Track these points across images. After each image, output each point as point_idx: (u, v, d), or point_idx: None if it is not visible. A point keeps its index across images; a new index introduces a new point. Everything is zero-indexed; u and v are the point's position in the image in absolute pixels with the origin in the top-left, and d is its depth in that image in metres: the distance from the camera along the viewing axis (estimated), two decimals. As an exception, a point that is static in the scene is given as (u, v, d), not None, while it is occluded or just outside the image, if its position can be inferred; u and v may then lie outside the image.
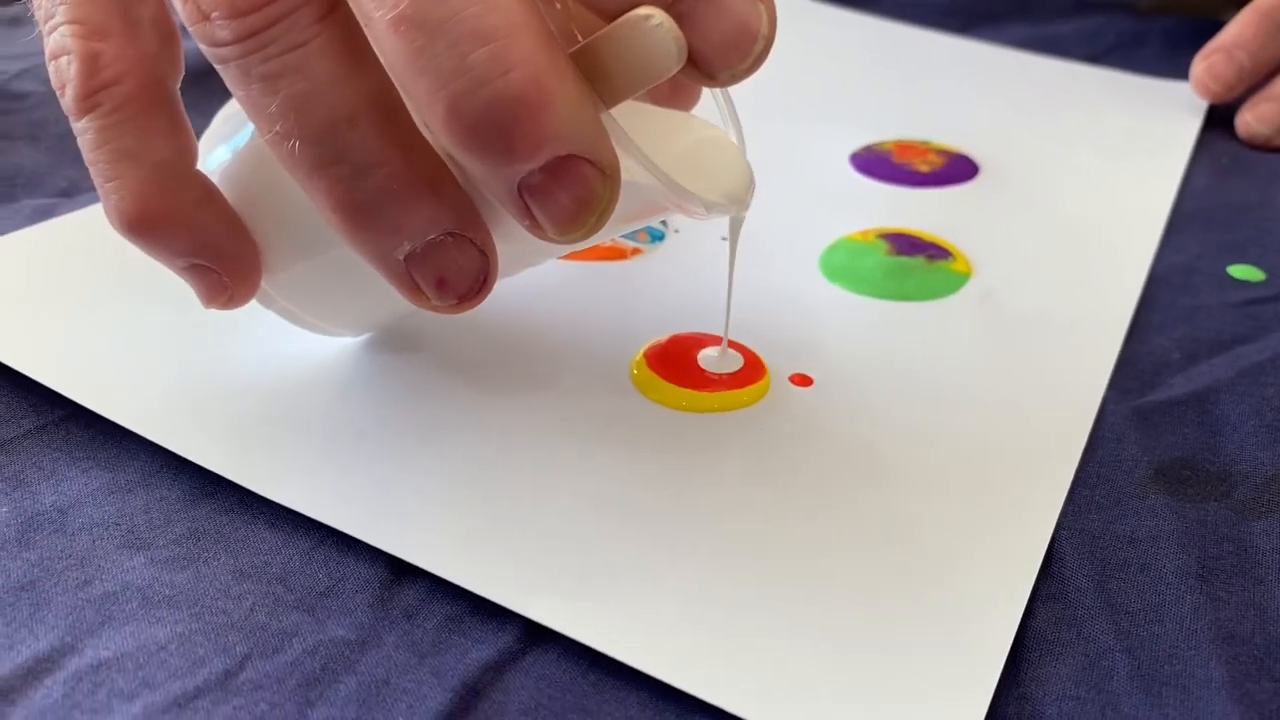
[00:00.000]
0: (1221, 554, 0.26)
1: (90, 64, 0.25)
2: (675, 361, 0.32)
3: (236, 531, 0.26)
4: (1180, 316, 0.36)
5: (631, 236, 0.39)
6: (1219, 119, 0.52)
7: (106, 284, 0.34)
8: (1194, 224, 0.42)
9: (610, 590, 0.24)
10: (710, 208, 0.26)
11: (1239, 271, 0.39)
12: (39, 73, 0.47)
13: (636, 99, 0.23)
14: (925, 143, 0.47)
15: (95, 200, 0.39)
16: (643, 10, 0.21)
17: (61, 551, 0.25)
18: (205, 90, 0.47)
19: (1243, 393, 0.32)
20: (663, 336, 0.33)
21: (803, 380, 0.32)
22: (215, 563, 0.25)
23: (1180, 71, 0.55)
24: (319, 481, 0.27)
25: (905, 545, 0.26)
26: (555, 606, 0.24)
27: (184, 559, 0.25)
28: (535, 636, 0.24)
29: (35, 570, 0.25)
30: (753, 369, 0.32)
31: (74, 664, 0.23)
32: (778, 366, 0.32)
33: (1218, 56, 0.52)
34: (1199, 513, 0.28)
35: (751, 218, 0.41)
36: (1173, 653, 0.24)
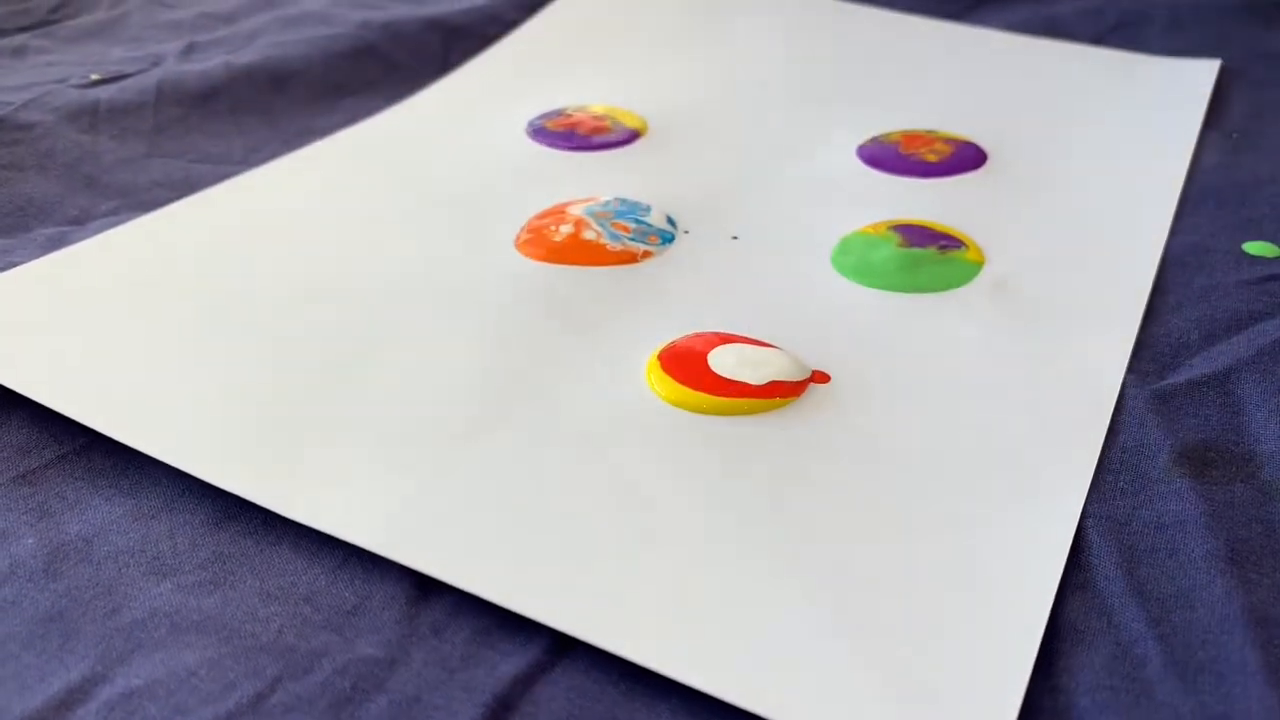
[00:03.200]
0: (1250, 535, 0.26)
1: None
2: (690, 364, 0.32)
3: (261, 553, 0.26)
4: (1196, 296, 0.36)
5: (642, 239, 0.38)
6: (1225, 94, 0.52)
7: (121, 311, 0.34)
8: (1206, 202, 0.42)
9: (636, 597, 0.24)
10: None
11: (1254, 248, 0.39)
12: (45, 101, 0.47)
13: None
14: (932, 132, 0.47)
15: (106, 226, 0.39)
16: None
17: (89, 580, 0.25)
18: (207, 112, 0.47)
19: (1264, 370, 0.32)
20: (677, 338, 0.33)
21: (821, 377, 0.32)
22: (242, 586, 0.25)
23: (1185, 48, 0.54)
24: (341, 500, 0.27)
25: (932, 540, 0.26)
26: (582, 616, 0.24)
27: (210, 583, 0.25)
28: (564, 646, 0.24)
29: (64, 601, 0.25)
30: (798, 384, 0.31)
31: (106, 693, 0.23)
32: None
33: None
34: (1225, 495, 0.28)
35: (763, 213, 0.41)
36: (1206, 638, 0.24)
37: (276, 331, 0.33)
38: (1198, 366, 0.32)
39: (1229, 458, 0.29)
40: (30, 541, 0.27)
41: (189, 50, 0.54)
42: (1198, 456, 0.29)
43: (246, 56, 0.52)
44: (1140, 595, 0.25)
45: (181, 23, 0.58)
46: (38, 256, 0.37)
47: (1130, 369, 0.32)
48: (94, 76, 0.50)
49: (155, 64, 0.52)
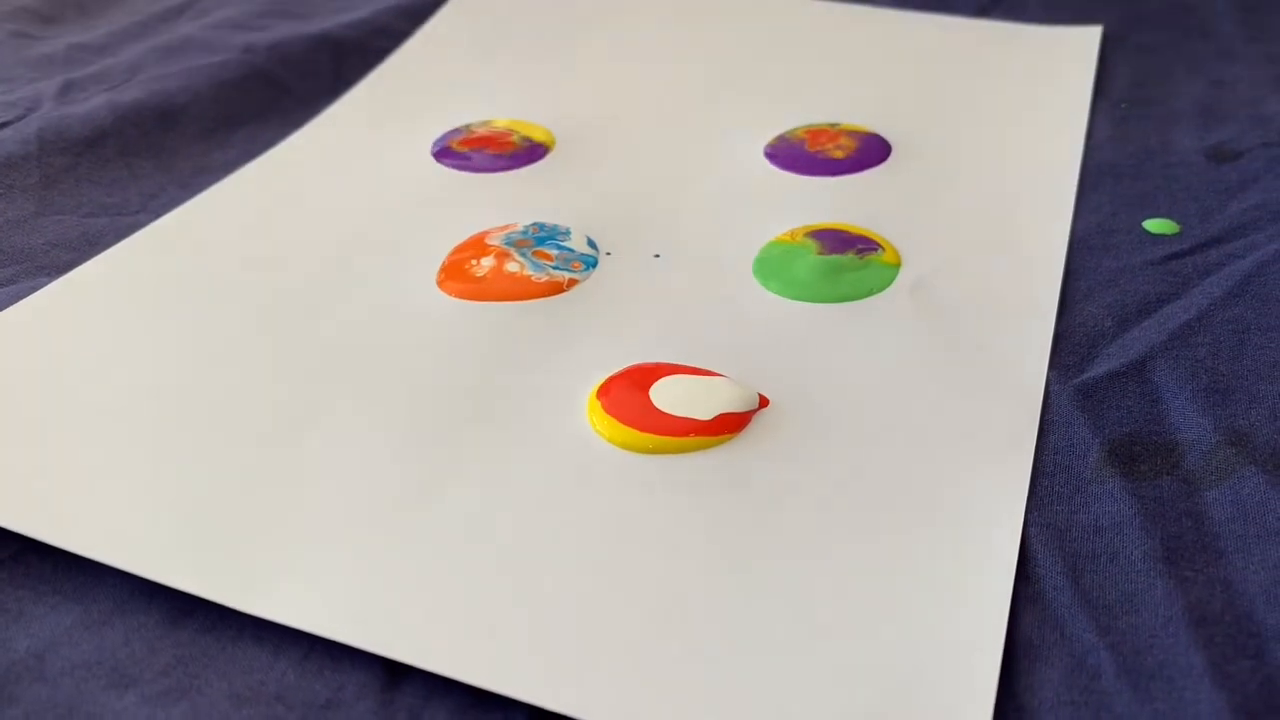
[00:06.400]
0: (1182, 531, 0.28)
1: None
2: (632, 401, 0.32)
3: (224, 651, 0.26)
4: (1106, 280, 0.37)
5: (566, 267, 0.38)
6: (1108, 61, 0.53)
7: (37, 397, 0.33)
8: (1104, 179, 0.44)
9: (608, 661, 0.25)
10: None
11: (1154, 226, 0.40)
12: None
13: None
14: (835, 126, 0.48)
15: (5, 299, 0.38)
16: None
17: (46, 702, 0.25)
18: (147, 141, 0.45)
19: (1176, 356, 0.33)
20: (613, 371, 0.33)
21: (762, 401, 0.32)
22: (209, 690, 0.25)
23: (1067, 15, 0.56)
24: (298, 587, 0.27)
25: (882, 564, 0.27)
26: (557, 688, 0.24)
27: (176, 691, 0.25)
28: (544, 719, 0.24)
29: (23, 727, 0.24)
30: (746, 415, 0.32)
31: (84, 824, 0.22)
32: (732, 392, 0.32)
33: None
34: (1154, 490, 0.29)
35: (681, 227, 0.41)
36: (1152, 642, 0.25)
37: (202, 409, 0.32)
38: (1115, 356, 0.34)
39: (1153, 450, 0.30)
40: (-22, 664, 0.26)
41: (66, 90, 0.51)
42: (1125, 452, 0.30)
43: (130, 93, 0.50)
44: (1087, 604, 0.26)
45: (53, 57, 0.56)
46: (-63, 340, 0.35)
47: (1051, 364, 0.34)
48: (-32, 129, 0.48)
49: (32, 108, 0.50)
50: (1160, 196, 0.42)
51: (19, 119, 0.49)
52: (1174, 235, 0.40)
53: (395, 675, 0.25)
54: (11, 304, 0.37)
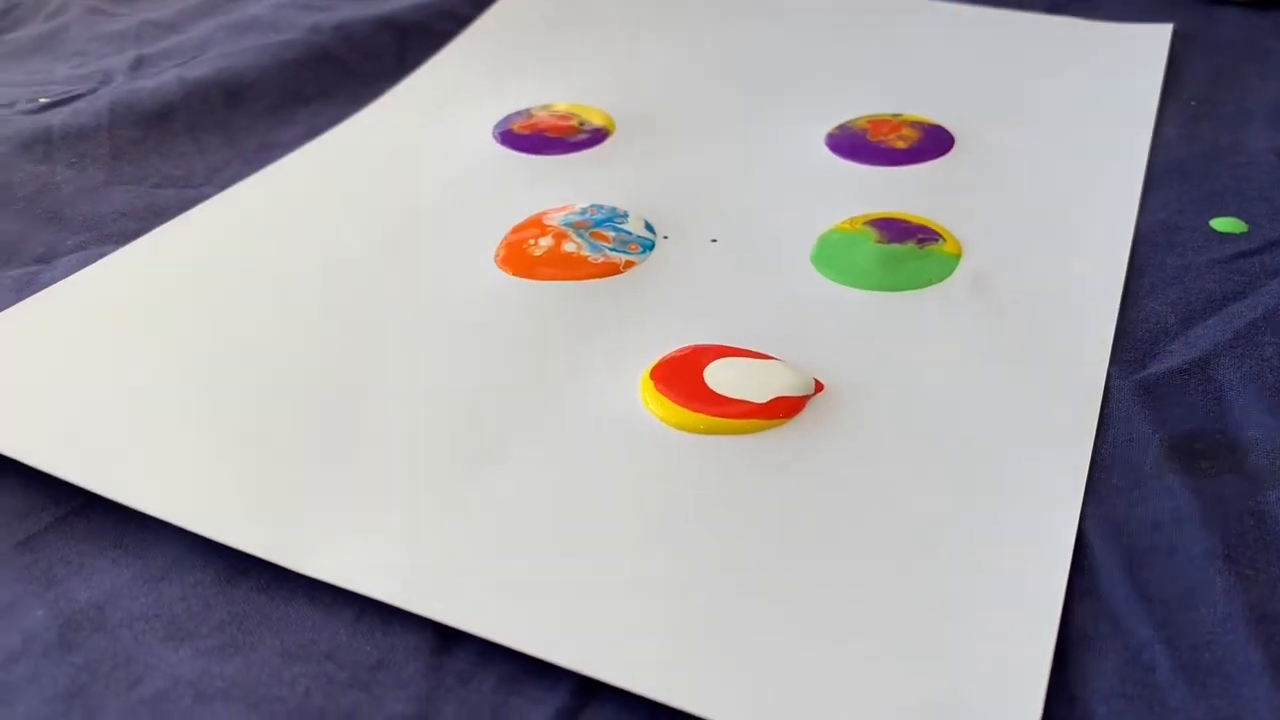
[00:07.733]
0: (1244, 529, 0.27)
1: None
2: (686, 382, 0.32)
3: (277, 610, 0.26)
4: (1170, 277, 0.37)
5: (623, 249, 0.38)
6: (1179, 60, 0.52)
7: (104, 357, 0.34)
8: (1171, 176, 0.43)
9: (660, 634, 0.25)
10: None
11: (1222, 225, 0.39)
12: (-6, 130, 0.46)
13: None
14: (898, 116, 0.47)
15: (75, 264, 0.38)
16: None
17: (106, 651, 0.25)
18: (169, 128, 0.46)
19: (1241, 355, 0.33)
20: (667, 353, 0.33)
21: (816, 386, 0.32)
22: (262, 646, 0.25)
23: (1138, 12, 0.55)
24: (353, 551, 0.27)
25: (936, 552, 0.27)
26: (606, 658, 0.24)
27: (230, 646, 0.25)
28: (592, 688, 0.24)
29: (82, 675, 0.25)
30: (802, 399, 0.31)
31: (139, 770, 0.23)
32: (787, 376, 0.32)
33: None
34: (1216, 487, 0.28)
35: (739, 212, 0.41)
36: (1210, 639, 0.24)
37: (266, 374, 0.33)
38: (1178, 353, 0.33)
39: (1216, 447, 0.30)
40: (40, 613, 0.26)
41: (138, 64, 0.52)
42: (1186, 448, 0.30)
43: (199, 69, 0.51)
44: (1144, 597, 0.25)
45: (125, 33, 0.57)
46: (8, 301, 0.36)
47: (1113, 359, 0.33)
48: (43, 100, 0.49)
49: (104, 82, 0.51)
50: (1229, 195, 0.41)
51: (91, 92, 0.50)
52: (1242, 234, 0.39)
53: (446, 640, 0.25)
54: (79, 269, 0.38)
